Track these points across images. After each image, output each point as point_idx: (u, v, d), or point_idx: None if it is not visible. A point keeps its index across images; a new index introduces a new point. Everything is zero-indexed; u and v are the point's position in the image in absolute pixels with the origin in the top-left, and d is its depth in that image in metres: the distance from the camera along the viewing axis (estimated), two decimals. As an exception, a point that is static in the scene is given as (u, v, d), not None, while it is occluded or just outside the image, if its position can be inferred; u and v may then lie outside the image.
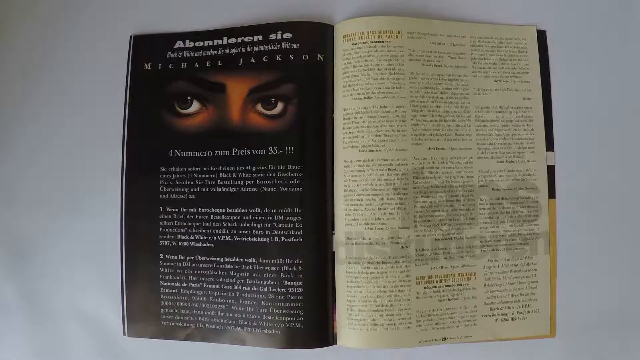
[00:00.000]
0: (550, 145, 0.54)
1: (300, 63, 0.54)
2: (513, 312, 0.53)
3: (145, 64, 0.57)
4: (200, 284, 0.54)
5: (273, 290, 0.53)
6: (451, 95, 0.53)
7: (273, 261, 0.53)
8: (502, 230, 0.53)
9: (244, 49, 0.55)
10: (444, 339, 0.52)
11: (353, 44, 0.53)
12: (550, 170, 0.54)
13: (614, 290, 0.54)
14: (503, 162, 0.53)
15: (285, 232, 0.53)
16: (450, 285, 0.52)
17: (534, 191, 0.53)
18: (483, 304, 0.52)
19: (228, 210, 0.54)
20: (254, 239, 0.53)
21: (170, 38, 0.57)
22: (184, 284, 0.55)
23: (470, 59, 0.54)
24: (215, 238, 0.54)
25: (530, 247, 0.53)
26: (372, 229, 0.51)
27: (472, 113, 0.54)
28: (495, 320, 0.53)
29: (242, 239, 0.54)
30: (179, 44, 0.57)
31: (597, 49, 0.55)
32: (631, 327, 0.54)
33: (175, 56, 0.56)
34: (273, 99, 0.54)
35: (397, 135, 0.52)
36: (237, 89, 0.55)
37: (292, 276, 0.52)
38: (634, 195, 0.54)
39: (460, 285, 0.52)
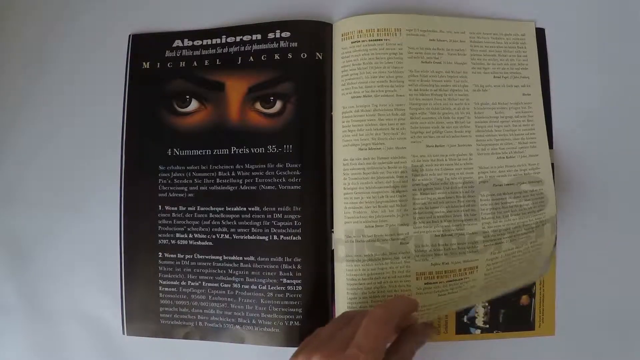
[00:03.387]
0: (549, 144, 0.54)
1: (298, 61, 0.54)
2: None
3: (144, 63, 0.57)
4: (199, 282, 0.54)
5: (272, 288, 0.53)
6: (450, 92, 0.53)
7: (272, 259, 0.53)
8: (506, 224, 0.52)
9: (242, 48, 0.56)
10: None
11: (352, 43, 0.53)
12: (550, 168, 0.54)
13: (614, 290, 0.53)
14: (503, 157, 0.53)
15: (284, 230, 0.53)
16: (451, 281, 0.52)
17: (538, 184, 0.53)
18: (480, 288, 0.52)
19: (227, 208, 0.54)
20: (253, 237, 0.53)
21: (168, 37, 0.57)
22: (182, 283, 0.54)
23: (470, 55, 0.54)
24: (214, 236, 0.54)
25: (535, 233, 0.52)
26: (372, 226, 0.51)
27: (472, 109, 0.53)
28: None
29: (241, 237, 0.53)
30: (177, 43, 0.57)
31: (596, 44, 0.55)
32: (632, 327, 0.53)
33: (174, 55, 0.57)
34: (272, 98, 0.54)
35: (396, 134, 0.52)
36: (235, 88, 0.55)
37: (291, 274, 0.52)
38: (635, 192, 0.54)
39: (462, 279, 0.52)
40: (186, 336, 0.54)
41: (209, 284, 0.54)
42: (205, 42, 0.56)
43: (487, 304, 0.53)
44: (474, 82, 0.54)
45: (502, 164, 0.53)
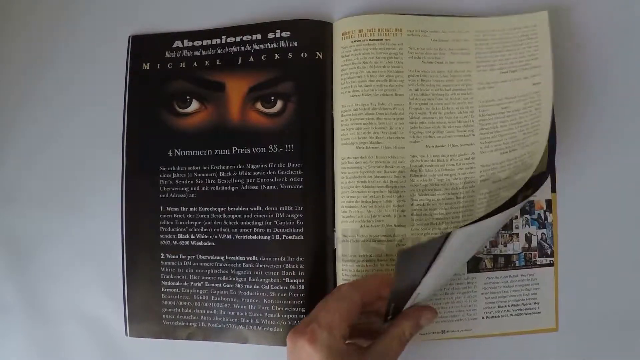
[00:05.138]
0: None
1: (299, 61, 0.54)
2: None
3: (144, 64, 0.57)
4: (202, 282, 0.54)
5: (275, 288, 0.53)
6: (453, 91, 0.52)
7: (274, 259, 0.53)
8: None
9: (242, 48, 0.56)
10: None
11: (352, 42, 0.53)
12: (551, 164, 0.52)
13: (618, 285, 0.53)
14: (507, 152, 0.51)
15: (287, 230, 0.53)
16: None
17: (529, 169, 0.50)
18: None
19: (229, 208, 0.54)
20: (255, 237, 0.53)
21: (168, 38, 0.57)
22: (185, 283, 0.55)
23: (475, 53, 0.53)
24: (216, 237, 0.54)
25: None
26: (367, 226, 0.51)
27: (476, 108, 0.52)
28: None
29: (243, 237, 0.54)
30: (177, 44, 0.57)
31: (604, 33, 0.54)
32: (636, 322, 0.53)
33: (174, 56, 0.56)
34: (272, 97, 0.54)
35: (394, 133, 0.52)
36: (236, 88, 0.55)
37: (293, 274, 0.52)
38: (638, 190, 0.54)
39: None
40: (189, 337, 0.54)
41: (212, 285, 0.54)
42: (205, 42, 0.56)
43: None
44: (478, 80, 0.53)
45: (504, 159, 0.51)
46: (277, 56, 0.55)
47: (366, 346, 0.45)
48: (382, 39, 0.53)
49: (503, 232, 0.53)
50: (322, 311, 0.43)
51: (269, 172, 0.53)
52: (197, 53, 0.56)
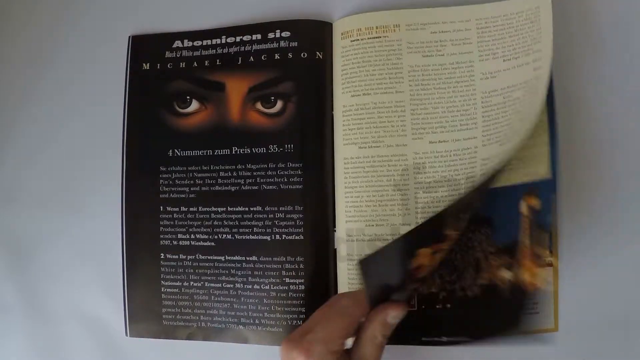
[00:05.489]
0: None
1: (299, 61, 0.54)
2: None
3: (144, 64, 0.57)
4: (202, 282, 0.54)
5: (275, 288, 0.53)
6: (455, 84, 0.51)
7: (274, 259, 0.53)
8: None
9: (242, 48, 0.56)
10: None
11: (351, 41, 0.53)
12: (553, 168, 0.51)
13: (616, 289, 0.53)
14: (505, 144, 0.50)
15: (287, 230, 0.53)
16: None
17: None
18: None
19: (229, 208, 0.54)
20: (255, 237, 0.53)
21: (168, 38, 0.57)
22: (185, 283, 0.55)
23: (477, 42, 0.52)
24: (216, 237, 0.54)
25: None
26: (372, 225, 0.51)
27: (479, 99, 0.51)
28: None
29: (243, 237, 0.54)
30: (177, 44, 0.57)
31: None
32: (633, 327, 0.53)
33: (174, 56, 0.56)
34: (272, 97, 0.54)
35: (396, 131, 0.51)
36: (236, 88, 0.55)
37: (293, 273, 0.52)
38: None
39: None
40: (189, 337, 0.54)
41: (212, 285, 0.54)
42: (205, 42, 0.56)
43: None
44: (481, 70, 0.51)
45: (501, 151, 0.50)
46: (277, 56, 0.55)
47: (347, 350, 0.44)
48: (380, 37, 0.52)
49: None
50: (319, 324, 0.43)
51: (269, 172, 0.53)
52: (197, 53, 0.56)
